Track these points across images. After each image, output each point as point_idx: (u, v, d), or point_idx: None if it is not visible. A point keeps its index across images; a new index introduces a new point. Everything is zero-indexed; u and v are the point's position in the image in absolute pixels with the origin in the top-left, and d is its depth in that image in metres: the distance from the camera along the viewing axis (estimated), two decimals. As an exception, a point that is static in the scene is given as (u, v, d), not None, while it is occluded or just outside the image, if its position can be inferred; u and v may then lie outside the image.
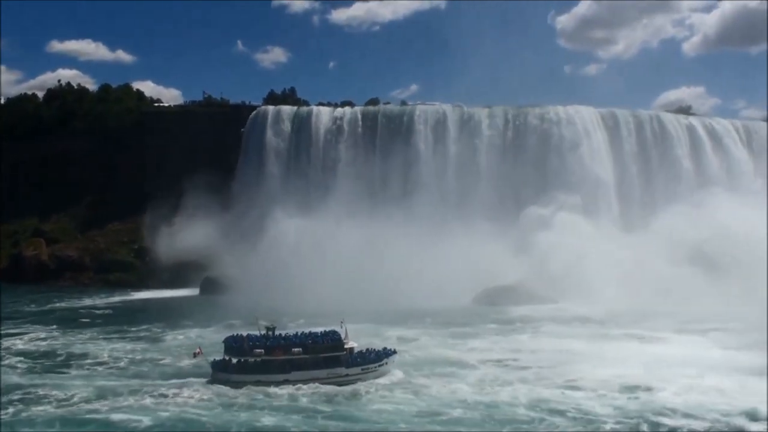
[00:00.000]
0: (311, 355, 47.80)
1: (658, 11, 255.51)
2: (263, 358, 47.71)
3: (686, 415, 40.48)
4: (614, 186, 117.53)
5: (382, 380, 47.81)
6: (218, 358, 49.21)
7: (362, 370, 48.23)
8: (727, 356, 54.65)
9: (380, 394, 45.46)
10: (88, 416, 40.73)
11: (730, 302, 75.60)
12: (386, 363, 49.41)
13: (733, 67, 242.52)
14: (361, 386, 46.55)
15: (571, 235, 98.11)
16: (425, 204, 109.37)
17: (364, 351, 50.13)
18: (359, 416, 41.20)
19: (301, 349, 48.04)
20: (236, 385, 46.28)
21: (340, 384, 46.66)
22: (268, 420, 40.47)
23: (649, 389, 45.34)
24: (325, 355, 47.97)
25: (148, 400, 43.46)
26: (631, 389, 45.40)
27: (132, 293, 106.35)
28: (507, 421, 39.89)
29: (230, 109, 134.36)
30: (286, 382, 46.49)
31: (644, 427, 38.99)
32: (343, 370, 47.76)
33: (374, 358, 49.30)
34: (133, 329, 71.18)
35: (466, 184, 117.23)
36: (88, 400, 43.53)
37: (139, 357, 57.01)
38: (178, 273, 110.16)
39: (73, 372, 51.76)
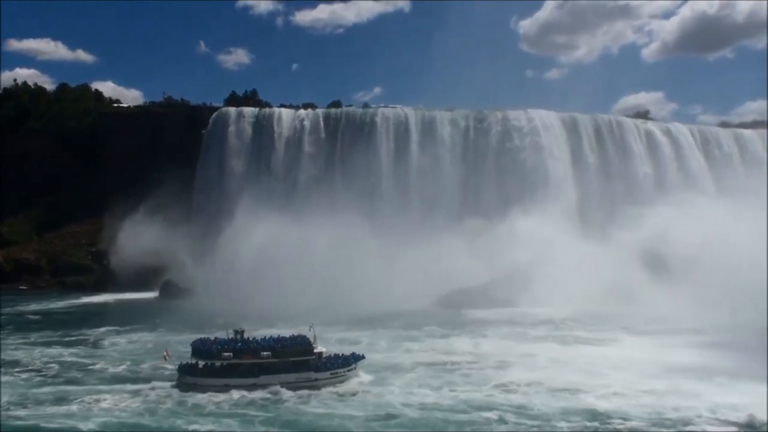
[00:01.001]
0: (280, 359, 47.49)
1: (619, 17, 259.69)
2: (231, 361, 47.10)
3: (602, 418, 40.11)
4: (575, 190, 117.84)
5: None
6: (185, 361, 48.50)
7: (331, 374, 47.99)
8: (669, 358, 54.60)
9: (298, 395, 45.21)
10: (7, 423, 39.35)
11: (687, 305, 75.82)
12: (355, 368, 49.14)
13: (691, 74, 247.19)
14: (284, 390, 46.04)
15: (534, 239, 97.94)
16: (389, 206, 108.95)
17: (333, 356, 49.82)
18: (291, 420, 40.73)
19: (270, 353, 47.74)
20: (204, 388, 45.57)
21: (309, 388, 46.33)
22: (203, 426, 39.50)
23: (576, 391, 45.04)
24: (294, 360, 47.71)
25: (72, 407, 42.21)
26: (558, 392, 45.10)
27: (88, 297, 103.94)
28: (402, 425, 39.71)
29: (191, 110, 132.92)
30: (255, 386, 45.96)
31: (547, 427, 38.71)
32: (312, 375, 47.54)
33: (343, 363, 49.07)
34: (76, 334, 69.41)
35: (428, 186, 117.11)
36: (8, 408, 42.12)
37: (71, 362, 55.46)
38: (138, 276, 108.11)
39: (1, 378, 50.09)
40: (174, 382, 47.20)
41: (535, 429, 38.70)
